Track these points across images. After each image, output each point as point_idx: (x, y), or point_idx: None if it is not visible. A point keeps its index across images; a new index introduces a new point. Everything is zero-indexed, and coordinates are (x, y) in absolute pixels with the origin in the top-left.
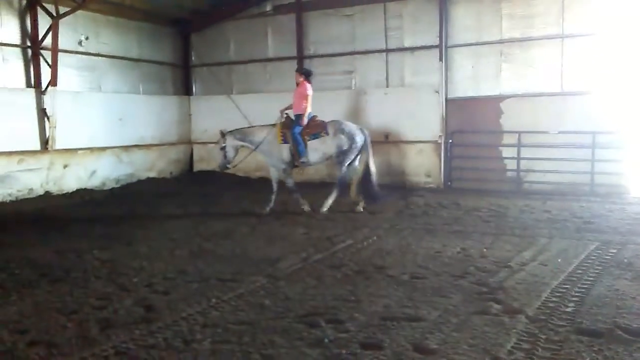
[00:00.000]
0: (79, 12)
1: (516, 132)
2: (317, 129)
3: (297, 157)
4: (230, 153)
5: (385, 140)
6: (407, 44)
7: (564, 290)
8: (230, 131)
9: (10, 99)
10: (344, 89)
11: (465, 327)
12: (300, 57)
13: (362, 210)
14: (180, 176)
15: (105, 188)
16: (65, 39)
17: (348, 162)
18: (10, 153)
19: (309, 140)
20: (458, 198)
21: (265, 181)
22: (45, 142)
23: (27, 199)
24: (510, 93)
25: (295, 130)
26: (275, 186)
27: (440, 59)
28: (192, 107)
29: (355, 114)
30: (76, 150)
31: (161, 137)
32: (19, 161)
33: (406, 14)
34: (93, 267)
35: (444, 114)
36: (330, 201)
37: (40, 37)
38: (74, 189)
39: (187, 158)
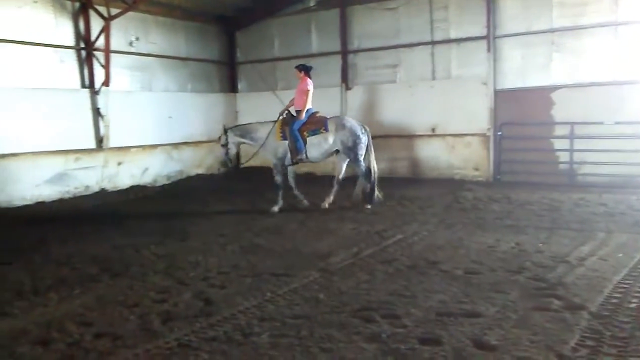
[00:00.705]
0: (129, 13)
1: (568, 123)
2: (316, 125)
3: (294, 153)
4: (232, 150)
5: (431, 133)
6: (453, 36)
7: (626, 286)
8: (231, 128)
9: (66, 99)
10: (388, 82)
11: (525, 324)
12: (344, 52)
13: (370, 207)
14: (228, 172)
15: (157, 184)
16: (117, 40)
17: (362, 157)
18: (67, 151)
19: (308, 136)
20: (509, 191)
21: (310, 177)
22: (99, 141)
23: (84, 195)
24: (562, 83)
25: (294, 126)
26: (292, 183)
27: (488, 50)
28: (238, 104)
29: (401, 108)
30: (129, 148)
31: (209, 134)
32: (75, 159)
33: (452, 5)
34: (150, 261)
35: (493, 106)
36: (371, 197)
37: (93, 39)
38: (128, 186)
39: (234, 154)
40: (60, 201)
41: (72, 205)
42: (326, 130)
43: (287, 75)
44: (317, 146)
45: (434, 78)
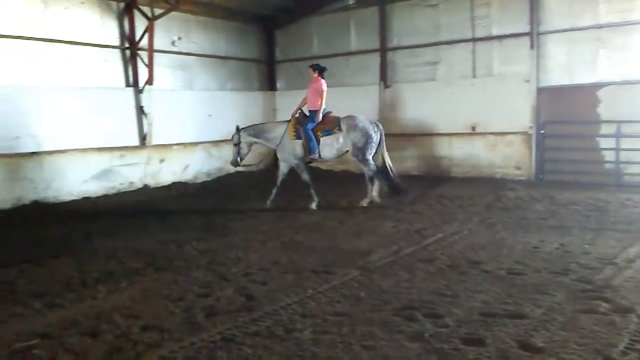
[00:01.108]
0: (172, 13)
1: (615, 121)
2: (330, 125)
3: (307, 153)
4: (243, 149)
5: (472, 132)
6: (495, 33)
7: None
8: (244, 127)
9: (111, 97)
10: (428, 80)
11: (572, 326)
12: (383, 50)
13: (365, 205)
14: (266, 170)
15: (198, 181)
16: (160, 40)
17: (370, 156)
18: (112, 149)
19: (322, 136)
20: (552, 191)
21: (349, 175)
22: (143, 138)
23: (128, 191)
24: (608, 81)
25: (308, 126)
26: (278, 180)
27: (532, 47)
28: (276, 102)
29: (440, 106)
30: (171, 145)
31: None
32: (120, 156)
33: (494, 1)
34: (193, 257)
35: (535, 104)
36: (374, 193)
37: (137, 39)
38: (169, 182)
39: (272, 152)
40: (105, 197)
41: (117, 200)
42: (340, 130)
43: (325, 73)
44: (330, 146)
45: (474, 76)
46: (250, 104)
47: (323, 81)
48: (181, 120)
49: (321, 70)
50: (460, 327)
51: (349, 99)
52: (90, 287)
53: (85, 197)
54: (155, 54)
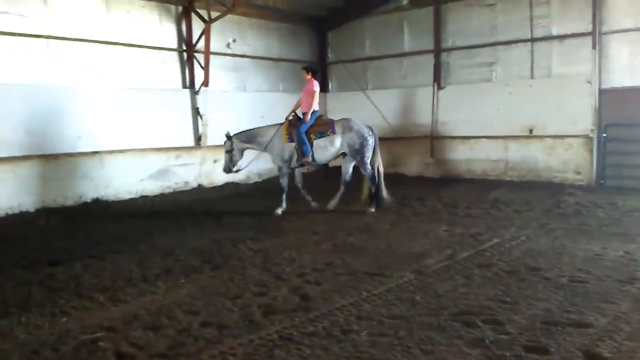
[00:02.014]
0: (227, 16)
1: None
2: (323, 127)
3: (300, 155)
4: (236, 156)
5: (529, 134)
6: (555, 32)
7: None
8: (236, 134)
9: (168, 98)
10: (483, 81)
11: (639, 336)
12: (438, 51)
13: (373, 211)
14: (317, 171)
15: (250, 182)
16: (215, 42)
17: (368, 160)
18: (168, 149)
19: (315, 139)
20: (614, 197)
21: (398, 177)
22: (198, 139)
23: (183, 191)
24: None
25: (301, 128)
26: (299, 184)
27: (594, 47)
28: (328, 103)
29: (496, 108)
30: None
31: None
32: (176, 156)
33: (555, 0)
34: (248, 256)
35: (597, 106)
36: (377, 197)
37: (194, 41)
38: (223, 183)
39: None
40: (162, 195)
41: (173, 199)
42: (333, 132)
43: (378, 74)
44: (323, 149)
45: (532, 76)
46: None
47: (315, 82)
48: (234, 121)
49: (314, 72)
50: (522, 334)
51: (402, 100)
52: (150, 283)
53: (142, 196)
54: (211, 56)
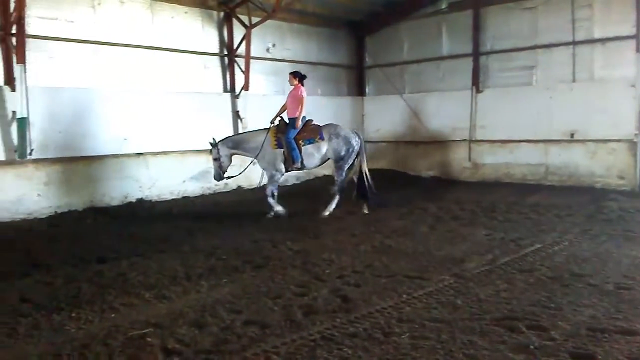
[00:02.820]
0: (267, 21)
1: None
2: (311, 134)
3: (290, 162)
4: (225, 163)
5: (570, 138)
6: (597, 35)
7: None
8: (221, 140)
9: (210, 102)
10: (523, 85)
11: None
12: (476, 54)
13: (367, 212)
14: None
15: (287, 184)
16: (255, 47)
17: (347, 167)
18: (209, 151)
19: (304, 145)
20: None
21: (435, 181)
22: None
23: (223, 192)
24: None
25: (290, 134)
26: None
27: (637, 50)
28: (365, 107)
29: (536, 111)
30: None
31: None
32: None
33: (597, 3)
34: (287, 256)
35: None
36: (332, 206)
37: (235, 46)
38: (261, 185)
39: None
40: (202, 196)
41: (213, 200)
42: (321, 139)
43: (415, 78)
44: (311, 155)
45: (574, 80)
46: (339, 109)
47: (303, 88)
48: None
49: (302, 78)
50: (568, 341)
51: (439, 104)
52: (194, 282)
53: (184, 196)
54: (251, 61)
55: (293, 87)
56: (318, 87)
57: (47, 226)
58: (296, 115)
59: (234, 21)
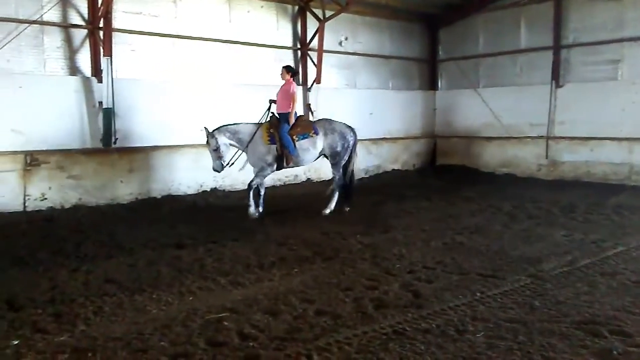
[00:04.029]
0: (341, 14)
1: None
2: (305, 129)
3: (289, 158)
4: (225, 152)
5: None
6: None
7: None
8: (217, 129)
9: None
10: (607, 80)
11: None
12: (557, 47)
13: (327, 213)
14: (423, 169)
15: (356, 178)
16: (328, 40)
17: (342, 162)
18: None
19: (298, 140)
20: None
21: (509, 178)
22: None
23: (293, 184)
24: None
25: (284, 129)
26: (262, 190)
27: None
28: (437, 101)
29: (621, 107)
30: None
31: (406, 130)
32: None
33: None
34: (357, 249)
35: None
36: (333, 204)
37: (308, 40)
38: (330, 177)
39: (429, 151)
40: (273, 188)
41: (283, 192)
42: (316, 133)
43: (490, 72)
44: (306, 150)
45: None
46: (410, 103)
47: (294, 84)
48: (343, 118)
49: (294, 73)
50: None
51: (515, 98)
52: (266, 270)
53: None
54: (323, 54)
55: (284, 81)
56: (389, 80)
57: (128, 211)
58: (288, 111)
59: (308, 15)
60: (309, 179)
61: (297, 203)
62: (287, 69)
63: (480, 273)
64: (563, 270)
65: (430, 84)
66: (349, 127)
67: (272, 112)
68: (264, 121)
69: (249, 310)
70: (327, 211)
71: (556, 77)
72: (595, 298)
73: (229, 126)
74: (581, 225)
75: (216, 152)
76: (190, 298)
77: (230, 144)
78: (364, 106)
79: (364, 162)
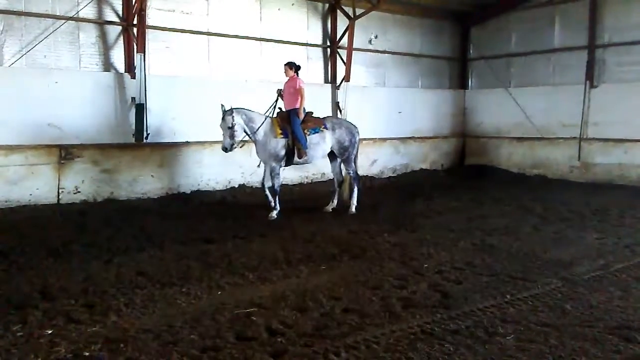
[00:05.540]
0: (371, 12)
1: None
2: (316, 124)
3: (301, 152)
4: (238, 133)
5: None
6: None
7: None
8: (236, 108)
9: (311, 93)
10: None
11: None
12: (592, 47)
13: (354, 211)
14: (451, 169)
15: (383, 176)
16: (358, 38)
17: (353, 157)
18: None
19: (309, 134)
20: None
21: (540, 179)
22: None
23: (320, 182)
24: None
25: (297, 123)
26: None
27: None
28: (467, 100)
29: None
30: (361, 140)
31: (435, 130)
32: None
33: None
34: (385, 248)
35: None
36: (354, 201)
37: (337, 37)
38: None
39: (458, 151)
40: (301, 185)
41: (310, 189)
42: (326, 128)
43: (522, 71)
44: (317, 145)
45: None
46: (439, 102)
47: (300, 79)
48: (372, 116)
49: (297, 69)
50: None
51: (548, 99)
52: (293, 266)
53: (283, 184)
54: (353, 52)
55: (288, 78)
56: (419, 79)
57: (158, 205)
58: (296, 107)
59: (338, 13)
60: None
61: (323, 200)
62: (290, 65)
63: (510, 275)
64: (596, 274)
65: (461, 83)
66: (353, 124)
67: (280, 108)
68: (271, 114)
69: (277, 306)
70: (353, 208)
71: (590, 78)
72: (628, 303)
73: (245, 110)
74: (615, 229)
75: (230, 130)
76: (219, 292)
77: (244, 128)
78: (392, 105)
79: (392, 161)
